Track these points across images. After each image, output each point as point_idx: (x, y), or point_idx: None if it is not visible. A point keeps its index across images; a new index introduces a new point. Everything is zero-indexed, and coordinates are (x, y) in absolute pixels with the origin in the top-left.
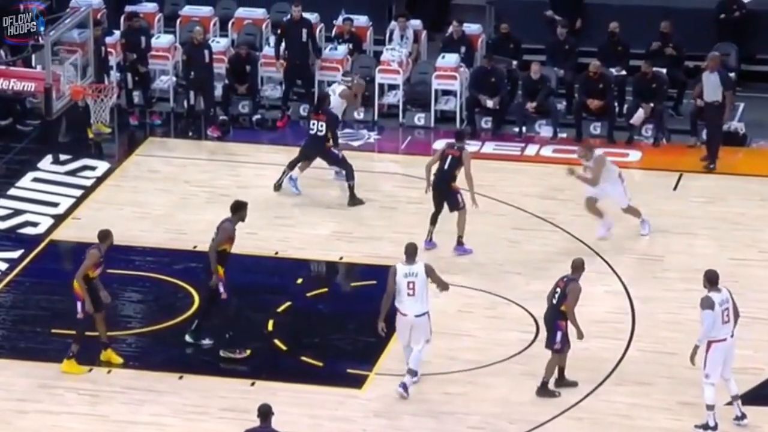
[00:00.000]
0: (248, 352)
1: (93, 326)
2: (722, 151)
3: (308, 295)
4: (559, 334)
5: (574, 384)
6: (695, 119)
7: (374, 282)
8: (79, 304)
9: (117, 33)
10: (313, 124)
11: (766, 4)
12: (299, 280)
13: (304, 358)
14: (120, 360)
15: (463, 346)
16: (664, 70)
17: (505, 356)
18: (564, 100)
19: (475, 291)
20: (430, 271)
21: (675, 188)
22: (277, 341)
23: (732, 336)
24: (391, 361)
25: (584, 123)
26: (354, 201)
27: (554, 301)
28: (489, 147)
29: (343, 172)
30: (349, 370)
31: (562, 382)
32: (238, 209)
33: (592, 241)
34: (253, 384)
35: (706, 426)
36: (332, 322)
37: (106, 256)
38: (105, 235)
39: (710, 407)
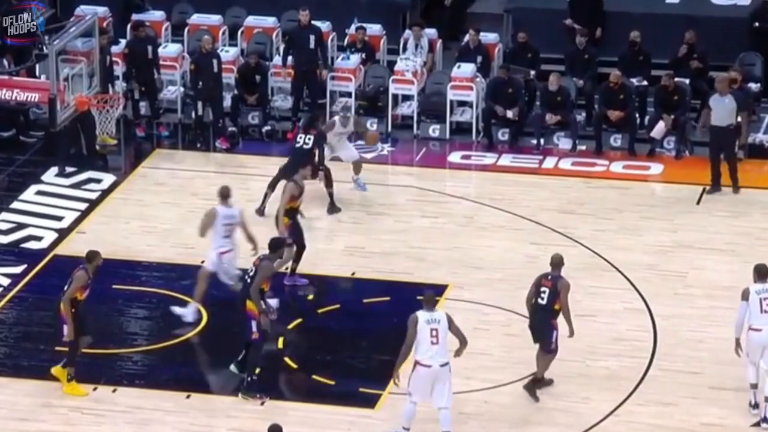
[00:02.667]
0: (266, 399)
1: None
2: (747, 164)
3: (320, 311)
4: (554, 334)
5: (550, 382)
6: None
7: (387, 298)
8: (65, 327)
9: (123, 42)
10: (300, 137)
11: None
12: (310, 297)
13: (315, 377)
14: (84, 393)
15: (480, 365)
16: (687, 81)
17: (522, 375)
18: (583, 111)
19: (492, 308)
20: (451, 322)
21: (698, 202)
22: (287, 359)
23: None
24: (405, 380)
25: (604, 135)
26: (333, 209)
27: (543, 302)
28: (506, 159)
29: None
30: (361, 389)
31: (541, 383)
32: (278, 246)
33: (612, 256)
34: (263, 403)
35: (750, 404)
36: (344, 340)
37: (100, 272)
38: (93, 255)
39: (753, 386)
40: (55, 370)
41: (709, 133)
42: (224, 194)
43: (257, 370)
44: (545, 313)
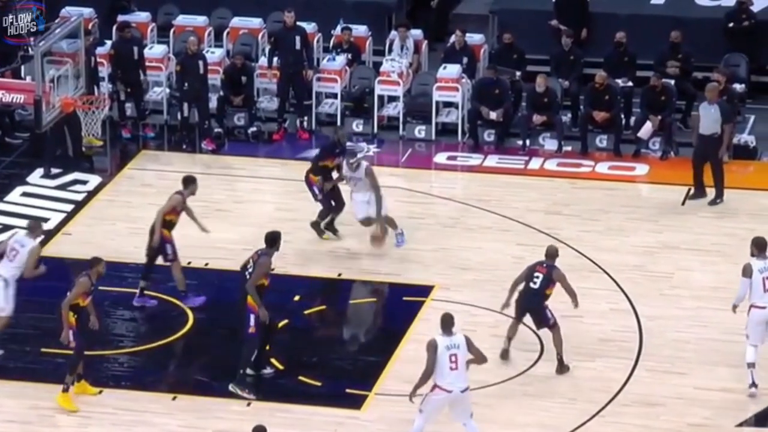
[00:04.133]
0: (253, 399)
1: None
2: (733, 165)
3: (306, 312)
4: (548, 311)
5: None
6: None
7: (374, 299)
8: (71, 333)
9: (108, 43)
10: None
11: None
12: (297, 298)
13: (302, 378)
14: (76, 408)
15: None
16: (672, 82)
17: (509, 376)
18: (569, 112)
19: (480, 309)
20: (470, 343)
21: (683, 203)
22: (274, 360)
23: None
24: (391, 381)
25: (590, 136)
26: (318, 230)
27: (536, 286)
28: (492, 160)
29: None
30: (348, 390)
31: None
32: (275, 241)
33: (598, 257)
34: (249, 404)
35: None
36: (331, 341)
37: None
38: (96, 261)
39: (750, 365)
40: (60, 398)
41: (696, 140)
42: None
43: (248, 368)
44: (537, 296)
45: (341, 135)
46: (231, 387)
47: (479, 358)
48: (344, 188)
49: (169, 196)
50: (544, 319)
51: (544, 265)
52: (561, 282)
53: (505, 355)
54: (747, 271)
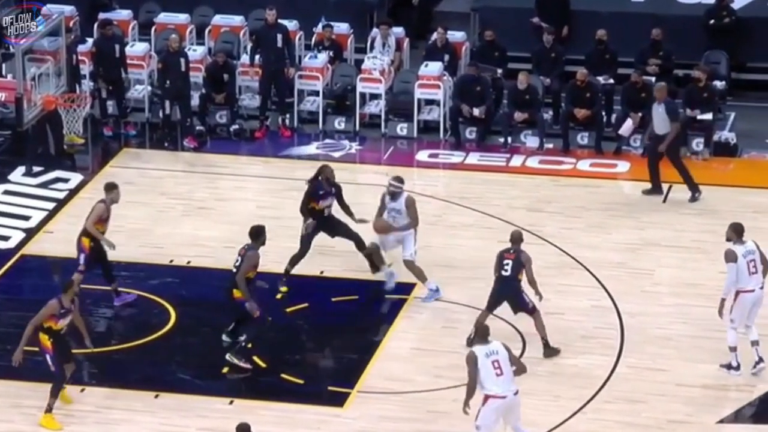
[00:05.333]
0: (251, 366)
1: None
2: (713, 162)
3: (288, 310)
4: (524, 296)
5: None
6: (685, 129)
7: (356, 297)
8: (48, 357)
9: (90, 41)
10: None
11: (757, 10)
12: (279, 296)
13: (284, 376)
14: (59, 426)
15: (449, 363)
16: (653, 79)
17: None
18: (551, 109)
19: (461, 306)
20: (511, 353)
21: (665, 200)
22: (256, 358)
23: (761, 288)
24: (373, 378)
25: (571, 133)
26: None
27: (507, 273)
28: (474, 158)
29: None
30: (330, 388)
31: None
32: (259, 234)
33: (580, 254)
34: (231, 402)
35: (729, 366)
36: (313, 339)
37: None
38: (69, 284)
39: (732, 348)
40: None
41: (651, 139)
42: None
43: (250, 345)
44: (510, 282)
45: (328, 173)
46: (228, 356)
47: (520, 367)
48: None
49: (92, 206)
50: (521, 304)
51: (511, 251)
52: (525, 265)
53: (470, 343)
54: (732, 256)
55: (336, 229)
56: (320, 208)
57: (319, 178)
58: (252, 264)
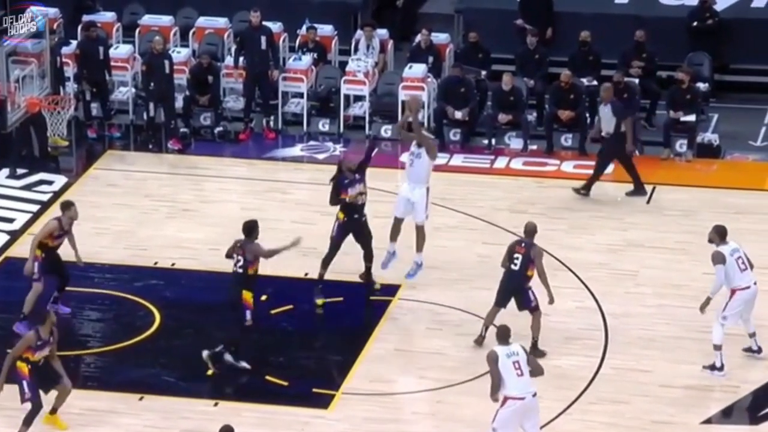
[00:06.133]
0: (248, 366)
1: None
2: (697, 163)
3: (273, 312)
4: (530, 293)
5: (543, 353)
6: (669, 131)
7: (340, 299)
8: (25, 384)
9: (74, 43)
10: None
11: (739, 12)
12: (264, 297)
13: (268, 377)
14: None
15: (433, 365)
16: (637, 81)
17: (474, 375)
18: (534, 111)
19: (444, 307)
20: (529, 354)
21: (648, 201)
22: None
23: (755, 284)
24: (358, 380)
25: (555, 135)
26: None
27: (516, 267)
28: (458, 159)
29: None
30: (314, 390)
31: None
32: (251, 230)
33: (563, 255)
34: (216, 404)
35: (713, 366)
36: (297, 340)
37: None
38: (43, 318)
39: (717, 347)
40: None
41: (601, 140)
42: None
43: (232, 349)
44: (521, 277)
45: (347, 162)
46: (204, 355)
47: (537, 369)
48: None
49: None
50: (526, 301)
51: (523, 244)
52: (535, 259)
53: (480, 341)
54: (719, 258)
55: (361, 236)
56: (352, 196)
57: (342, 170)
58: (257, 255)
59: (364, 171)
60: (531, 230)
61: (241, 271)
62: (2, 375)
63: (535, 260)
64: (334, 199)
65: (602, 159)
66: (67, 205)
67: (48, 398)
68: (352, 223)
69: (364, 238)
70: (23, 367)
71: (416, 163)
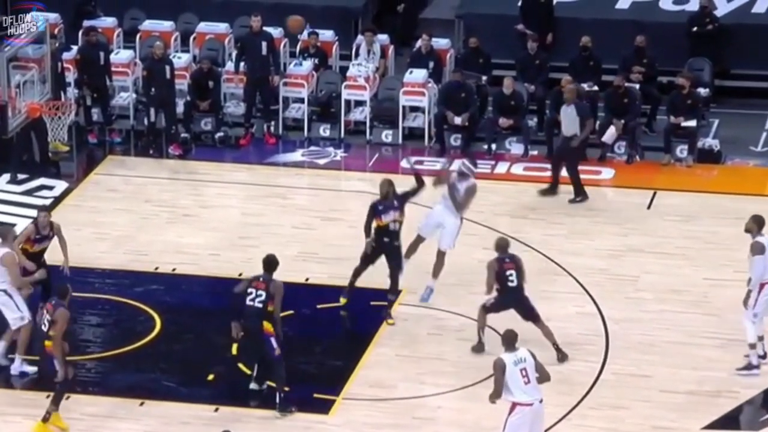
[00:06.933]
0: (296, 408)
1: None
2: (697, 169)
3: None
4: (531, 302)
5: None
6: (669, 136)
7: (341, 304)
8: (56, 362)
9: (75, 48)
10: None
11: (740, 17)
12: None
13: (269, 383)
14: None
15: (433, 370)
16: (637, 86)
17: (475, 380)
18: (535, 116)
19: (445, 313)
20: (537, 360)
21: (649, 207)
22: (241, 365)
23: None
24: (358, 385)
25: (556, 140)
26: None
27: (515, 284)
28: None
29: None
30: (315, 395)
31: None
32: (272, 264)
33: (563, 260)
34: (216, 410)
35: (749, 366)
36: (298, 346)
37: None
38: (65, 291)
39: (752, 346)
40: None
41: (560, 141)
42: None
43: (285, 387)
44: (519, 292)
45: (385, 187)
46: (278, 412)
47: (544, 375)
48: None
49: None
50: (529, 311)
51: (507, 259)
52: (523, 270)
53: (479, 348)
54: (759, 248)
55: (390, 260)
56: (384, 223)
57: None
58: (282, 295)
59: (405, 200)
60: (505, 246)
61: (260, 306)
62: (60, 358)
63: (524, 270)
64: (368, 226)
65: (570, 161)
66: (42, 208)
67: (44, 403)
68: (382, 245)
69: (393, 262)
70: (57, 349)
71: (455, 195)
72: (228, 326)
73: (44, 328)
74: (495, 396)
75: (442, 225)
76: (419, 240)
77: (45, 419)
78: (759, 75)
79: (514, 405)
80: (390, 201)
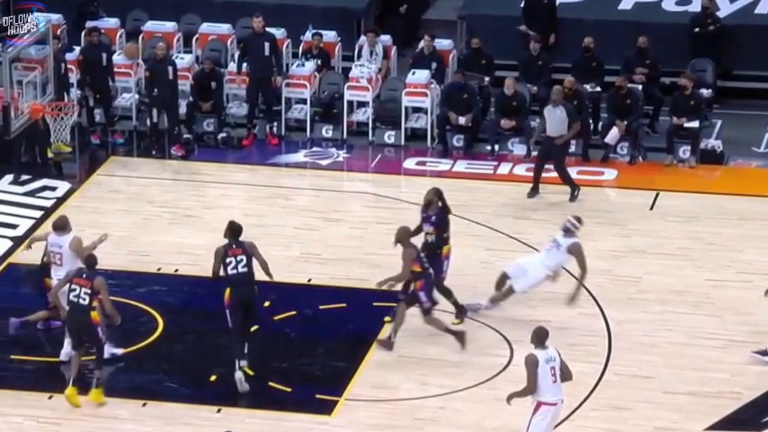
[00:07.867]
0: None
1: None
2: (700, 169)
3: (276, 318)
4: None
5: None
6: (672, 137)
7: (344, 305)
8: (99, 329)
9: (77, 49)
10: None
11: (742, 18)
12: (267, 303)
13: (271, 384)
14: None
15: (436, 371)
16: (640, 87)
17: (478, 381)
18: (537, 117)
19: (447, 313)
20: (562, 358)
21: (651, 208)
22: (244, 366)
23: None
24: (361, 386)
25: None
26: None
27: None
28: (461, 165)
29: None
30: (318, 396)
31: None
32: (237, 231)
33: None
34: (219, 411)
35: (765, 352)
36: (300, 346)
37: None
38: (94, 260)
39: None
40: (94, 394)
41: (543, 141)
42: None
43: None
44: None
45: (429, 197)
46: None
47: (568, 374)
48: None
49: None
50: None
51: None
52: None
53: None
54: None
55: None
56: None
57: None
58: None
59: (442, 215)
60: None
61: (247, 270)
62: (103, 325)
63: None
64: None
65: (557, 159)
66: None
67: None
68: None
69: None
70: (96, 316)
71: (555, 252)
72: (229, 327)
73: (84, 302)
74: (528, 393)
75: (527, 270)
76: (504, 276)
77: (97, 386)
78: (762, 76)
79: (539, 404)
80: (430, 213)
